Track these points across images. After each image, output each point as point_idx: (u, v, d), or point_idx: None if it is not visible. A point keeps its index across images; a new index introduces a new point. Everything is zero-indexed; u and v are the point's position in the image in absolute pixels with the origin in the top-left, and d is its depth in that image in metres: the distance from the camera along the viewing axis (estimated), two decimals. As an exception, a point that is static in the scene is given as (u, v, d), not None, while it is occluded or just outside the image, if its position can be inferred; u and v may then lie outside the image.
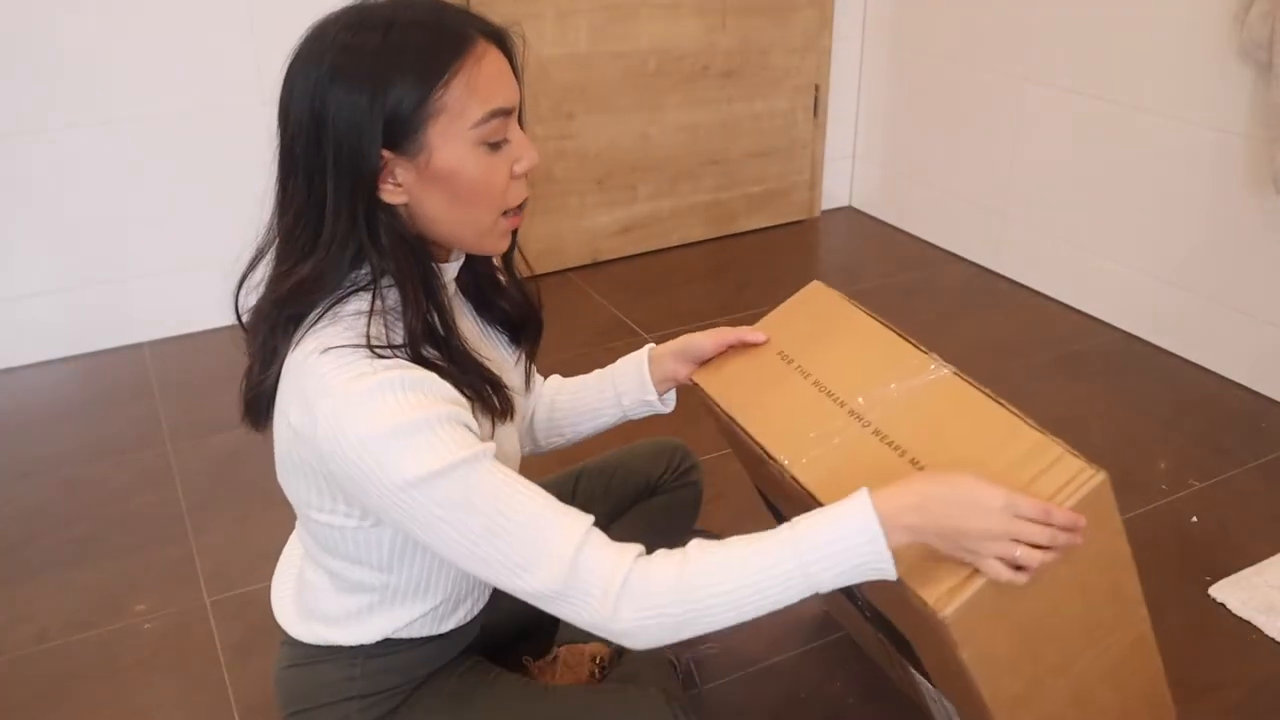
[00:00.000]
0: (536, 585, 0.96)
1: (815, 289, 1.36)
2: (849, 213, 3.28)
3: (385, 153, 0.97)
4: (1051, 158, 2.61)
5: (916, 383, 1.17)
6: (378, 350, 0.97)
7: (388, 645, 1.17)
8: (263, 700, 1.47)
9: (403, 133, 0.97)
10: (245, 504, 1.90)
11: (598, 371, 1.37)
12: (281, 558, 1.32)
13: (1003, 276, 2.82)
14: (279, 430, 1.04)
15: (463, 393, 1.01)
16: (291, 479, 1.07)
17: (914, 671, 1.29)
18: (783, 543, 0.96)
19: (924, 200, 3.04)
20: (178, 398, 2.25)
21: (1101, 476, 1.03)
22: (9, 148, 2.22)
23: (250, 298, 1.10)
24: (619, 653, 1.40)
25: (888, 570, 0.95)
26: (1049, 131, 2.59)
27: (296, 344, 1.01)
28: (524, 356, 1.26)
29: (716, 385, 1.28)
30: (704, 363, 1.30)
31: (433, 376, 0.98)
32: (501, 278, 1.21)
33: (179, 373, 2.35)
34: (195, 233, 2.44)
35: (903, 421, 1.13)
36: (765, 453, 1.16)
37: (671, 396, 1.35)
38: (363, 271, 1.02)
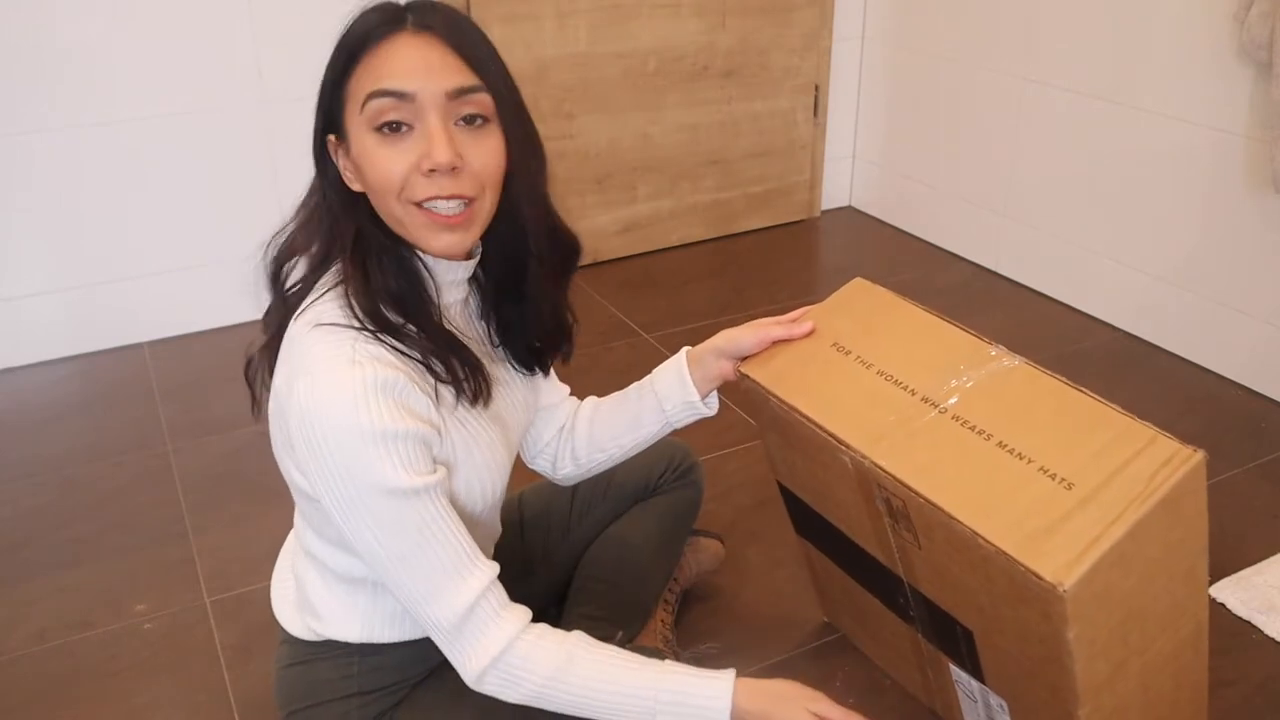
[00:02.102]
0: (429, 619, 1.03)
1: (859, 285, 1.34)
2: (849, 213, 3.29)
3: (331, 138, 1.04)
4: (1051, 158, 2.61)
5: (989, 370, 1.16)
6: (365, 329, 1.00)
7: (384, 646, 1.17)
8: (263, 700, 1.47)
9: (333, 120, 1.04)
10: (245, 504, 1.90)
11: (635, 383, 1.34)
12: (280, 555, 1.32)
13: (1003, 276, 2.82)
14: (271, 397, 1.06)
15: (433, 371, 1.03)
16: (279, 449, 1.09)
17: (954, 670, 1.29)
18: (647, 685, 1.05)
19: (924, 200, 3.04)
20: (178, 398, 2.25)
21: (1200, 456, 1.03)
22: (9, 147, 2.22)
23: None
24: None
25: None
26: (1049, 131, 2.59)
27: (300, 313, 1.04)
28: (540, 373, 1.26)
29: (769, 376, 1.24)
30: (746, 358, 1.28)
31: (405, 383, 0.99)
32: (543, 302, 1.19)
33: (179, 373, 2.35)
34: (195, 233, 2.44)
35: (983, 408, 1.12)
36: (837, 440, 1.14)
37: (714, 399, 1.31)
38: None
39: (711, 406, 1.31)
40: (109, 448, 2.08)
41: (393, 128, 0.99)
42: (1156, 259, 2.41)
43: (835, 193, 3.28)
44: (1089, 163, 2.51)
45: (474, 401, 1.08)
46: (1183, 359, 2.39)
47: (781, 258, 2.98)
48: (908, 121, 3.04)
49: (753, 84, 2.97)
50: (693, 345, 1.31)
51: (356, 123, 1.01)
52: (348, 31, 1.01)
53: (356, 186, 1.05)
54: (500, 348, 1.20)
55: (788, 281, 2.83)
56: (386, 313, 1.03)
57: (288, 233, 1.11)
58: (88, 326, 2.42)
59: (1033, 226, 2.71)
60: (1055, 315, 2.62)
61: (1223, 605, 1.64)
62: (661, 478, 1.51)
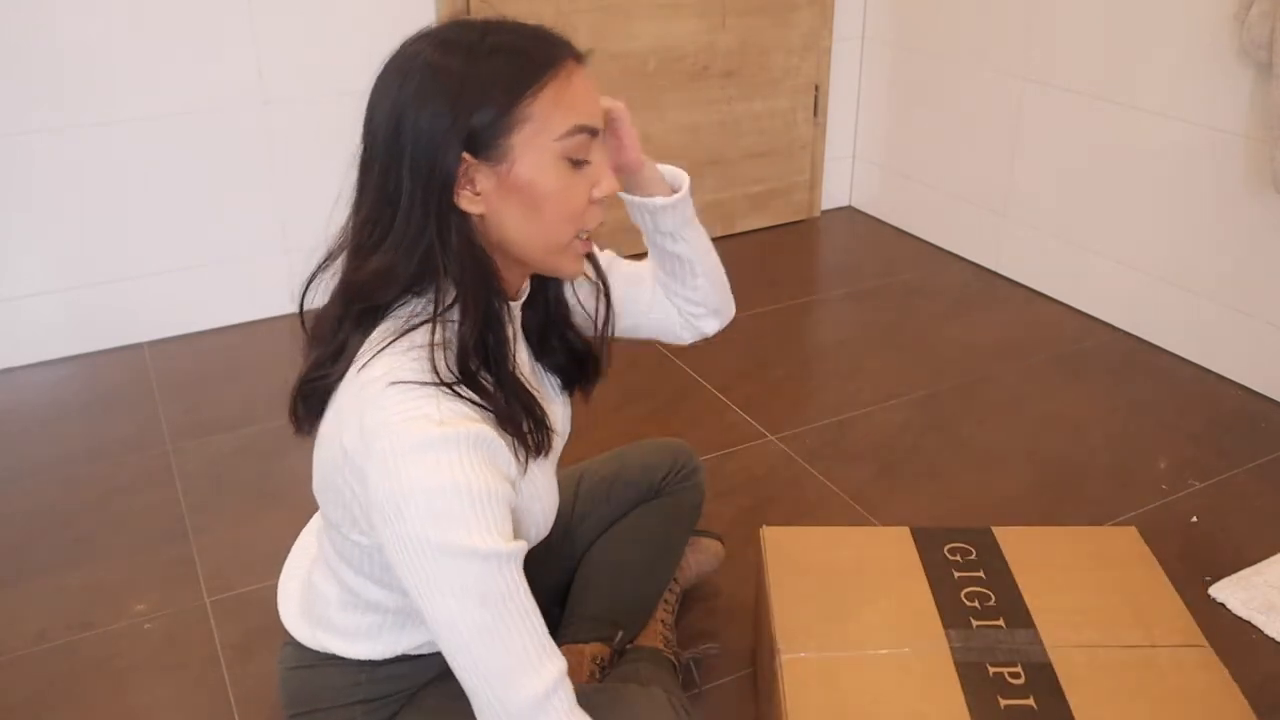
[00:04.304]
0: (501, 699, 0.96)
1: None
2: (849, 213, 3.29)
3: (466, 156, 0.97)
4: (1051, 158, 2.61)
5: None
6: (443, 385, 0.97)
7: (399, 658, 1.17)
8: (263, 700, 1.47)
9: (487, 138, 0.97)
10: (245, 504, 1.90)
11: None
12: (290, 557, 1.31)
13: (1003, 276, 2.82)
14: (327, 447, 1.03)
15: (504, 426, 1.01)
16: (329, 496, 1.06)
17: None
18: None
19: (924, 200, 3.04)
20: (178, 398, 2.25)
21: None
22: (9, 148, 2.22)
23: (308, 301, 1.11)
24: (618, 653, 1.40)
25: None
26: (1049, 131, 2.59)
27: (364, 364, 1.00)
28: (570, 398, 1.26)
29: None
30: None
31: (493, 437, 0.97)
32: (572, 315, 1.21)
33: (179, 373, 2.35)
34: (195, 233, 2.44)
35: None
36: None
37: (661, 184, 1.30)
38: (424, 300, 1.01)
39: (665, 195, 1.31)
40: (109, 448, 2.08)
41: (577, 164, 1.01)
42: (1156, 259, 2.41)
43: (835, 193, 3.28)
44: (1089, 163, 2.51)
45: (536, 454, 1.07)
46: (1183, 359, 2.39)
47: (781, 258, 2.98)
48: (908, 121, 3.04)
49: (753, 84, 2.97)
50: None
51: (542, 148, 0.98)
52: (521, 51, 0.98)
53: (479, 209, 1.00)
54: (543, 368, 1.21)
55: (788, 281, 2.82)
56: (472, 365, 1.00)
57: (376, 270, 1.00)
58: (88, 326, 2.42)
59: (1033, 226, 2.71)
60: (1055, 315, 2.62)
61: (1223, 605, 1.64)
62: (665, 480, 1.51)
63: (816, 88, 3.08)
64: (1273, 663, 1.55)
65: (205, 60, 2.33)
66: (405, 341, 0.99)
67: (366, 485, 0.96)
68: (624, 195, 1.25)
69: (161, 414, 2.19)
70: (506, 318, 1.05)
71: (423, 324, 1.00)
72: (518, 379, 1.05)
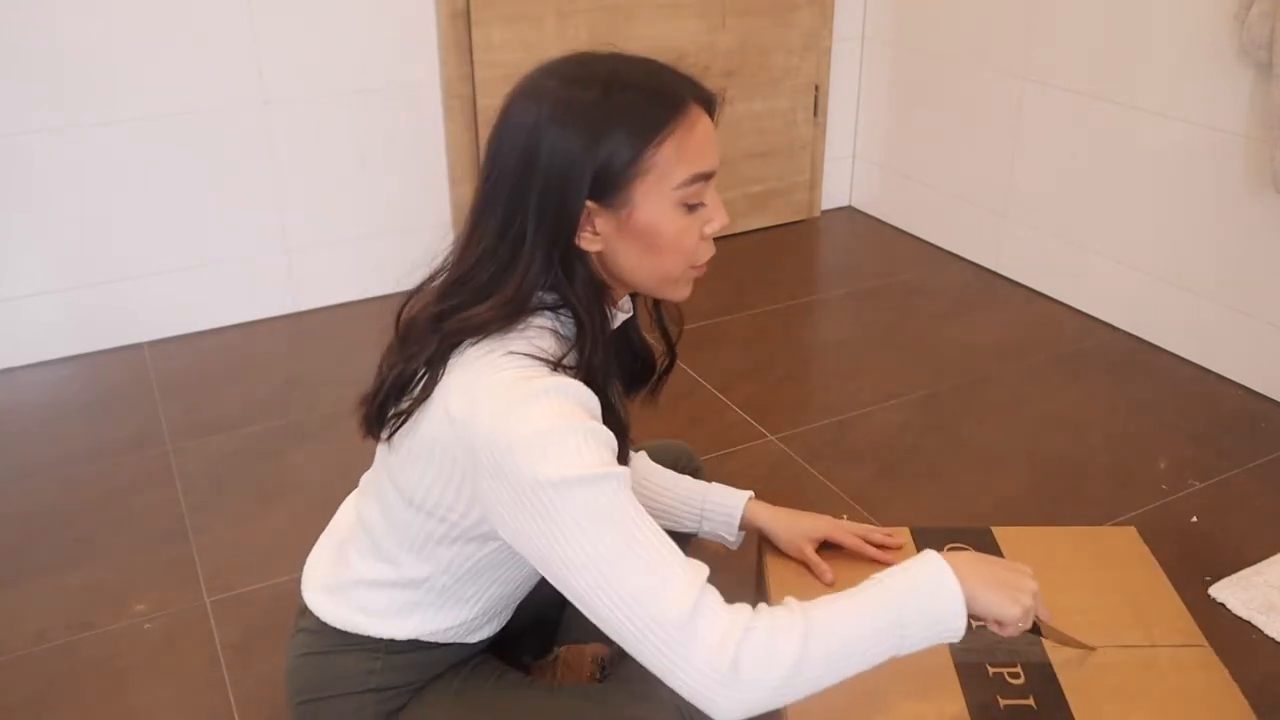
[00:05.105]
0: (656, 616, 0.93)
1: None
2: (849, 213, 3.29)
3: (589, 203, 1.01)
4: (1051, 158, 2.61)
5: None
6: (556, 367, 1.01)
7: (416, 644, 1.17)
8: (263, 700, 1.47)
9: (610, 186, 1.01)
10: (245, 504, 1.90)
11: (688, 482, 1.40)
12: (323, 537, 1.30)
13: (1003, 276, 2.82)
14: (428, 421, 1.04)
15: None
16: (419, 467, 1.06)
17: None
18: (885, 616, 0.99)
19: (924, 200, 3.04)
20: (178, 398, 2.25)
21: None
22: (9, 147, 2.22)
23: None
24: (620, 653, 1.40)
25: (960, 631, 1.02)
26: (1049, 131, 2.59)
27: (477, 341, 1.03)
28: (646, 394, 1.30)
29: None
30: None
31: (596, 402, 1.02)
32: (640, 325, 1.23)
33: (179, 373, 2.35)
34: (195, 233, 2.44)
35: None
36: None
37: (739, 537, 1.42)
38: (548, 296, 1.05)
39: (734, 544, 1.42)
40: (109, 448, 2.08)
41: (692, 208, 1.05)
42: (1156, 259, 2.41)
43: (835, 193, 3.28)
44: (1089, 163, 2.51)
45: (620, 465, 1.09)
46: (1183, 359, 2.39)
47: (781, 258, 2.98)
48: (908, 121, 3.04)
49: (753, 84, 2.97)
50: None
51: (661, 195, 1.02)
52: (648, 92, 1.01)
53: (596, 247, 1.04)
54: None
55: (788, 281, 2.83)
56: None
57: (478, 323, 1.02)
58: (88, 326, 2.42)
59: (1033, 226, 2.71)
60: (1055, 315, 2.62)
61: (1223, 605, 1.65)
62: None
63: (816, 88, 3.08)
64: (1273, 663, 1.55)
65: (205, 60, 2.33)
66: (522, 322, 1.03)
67: (474, 446, 0.98)
68: (716, 508, 1.40)
69: (161, 414, 2.19)
70: (608, 331, 1.09)
71: (541, 310, 1.05)
72: (612, 397, 1.09)
